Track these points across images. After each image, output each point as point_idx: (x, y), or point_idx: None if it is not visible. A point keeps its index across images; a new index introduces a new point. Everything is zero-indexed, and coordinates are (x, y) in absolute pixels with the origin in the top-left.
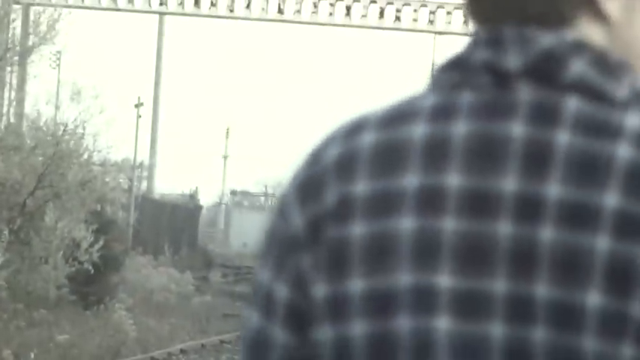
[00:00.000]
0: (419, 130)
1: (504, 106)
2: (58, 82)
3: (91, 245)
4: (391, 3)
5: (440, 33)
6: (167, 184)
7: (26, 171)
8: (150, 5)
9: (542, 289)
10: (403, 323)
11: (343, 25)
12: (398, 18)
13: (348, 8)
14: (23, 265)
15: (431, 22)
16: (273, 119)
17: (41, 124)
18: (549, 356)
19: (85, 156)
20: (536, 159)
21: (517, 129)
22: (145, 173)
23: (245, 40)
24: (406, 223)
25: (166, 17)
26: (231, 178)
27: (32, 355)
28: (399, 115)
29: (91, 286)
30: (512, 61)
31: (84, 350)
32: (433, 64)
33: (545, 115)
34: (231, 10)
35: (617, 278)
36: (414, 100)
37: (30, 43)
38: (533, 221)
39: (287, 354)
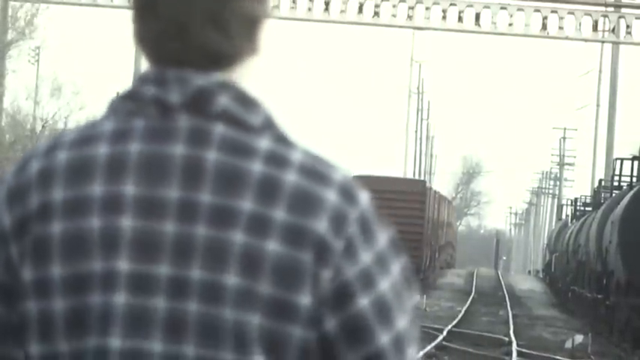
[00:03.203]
0: (102, 150)
1: (168, 131)
2: (37, 77)
3: None
4: None
5: (419, 28)
6: None
7: (5, 166)
8: (129, 1)
9: (196, 273)
10: (94, 299)
11: (321, 21)
12: (377, 13)
13: (327, 4)
14: None
15: (410, 17)
16: None
17: (20, 119)
18: (200, 324)
19: None
20: (192, 173)
21: (177, 149)
22: None
23: None
24: (94, 223)
25: None
26: None
27: None
28: (86, 138)
29: None
30: (173, 96)
31: None
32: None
33: (198, 139)
34: None
35: (248, 264)
36: (97, 124)
37: (8, 38)
38: (191, 221)
39: None
